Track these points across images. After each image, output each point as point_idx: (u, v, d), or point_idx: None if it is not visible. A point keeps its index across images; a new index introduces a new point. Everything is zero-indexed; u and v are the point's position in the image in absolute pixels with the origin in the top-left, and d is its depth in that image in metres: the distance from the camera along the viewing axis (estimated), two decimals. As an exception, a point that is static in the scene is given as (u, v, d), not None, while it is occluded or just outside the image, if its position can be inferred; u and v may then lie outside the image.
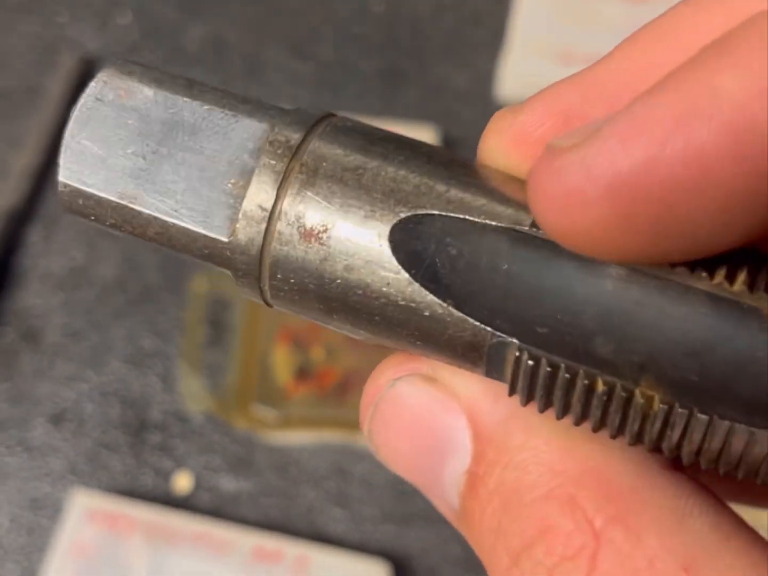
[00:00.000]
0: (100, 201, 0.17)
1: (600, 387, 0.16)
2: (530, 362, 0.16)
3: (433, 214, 0.16)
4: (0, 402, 0.48)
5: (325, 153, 0.16)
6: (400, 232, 0.16)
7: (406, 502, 0.45)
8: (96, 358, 0.49)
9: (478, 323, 0.16)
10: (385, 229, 0.16)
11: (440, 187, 0.16)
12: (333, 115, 0.18)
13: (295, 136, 0.16)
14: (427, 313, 0.16)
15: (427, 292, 0.16)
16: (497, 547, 0.16)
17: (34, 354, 0.49)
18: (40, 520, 0.45)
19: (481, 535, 0.17)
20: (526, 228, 0.16)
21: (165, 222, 0.17)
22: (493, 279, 0.16)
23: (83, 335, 0.49)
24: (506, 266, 0.16)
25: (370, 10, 0.57)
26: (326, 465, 0.46)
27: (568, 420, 0.16)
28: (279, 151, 0.16)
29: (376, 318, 0.16)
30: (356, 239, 0.16)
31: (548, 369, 0.16)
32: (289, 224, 0.16)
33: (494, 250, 0.16)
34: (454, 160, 0.17)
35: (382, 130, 0.17)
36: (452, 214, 0.16)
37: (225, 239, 0.16)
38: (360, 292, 0.16)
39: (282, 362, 0.47)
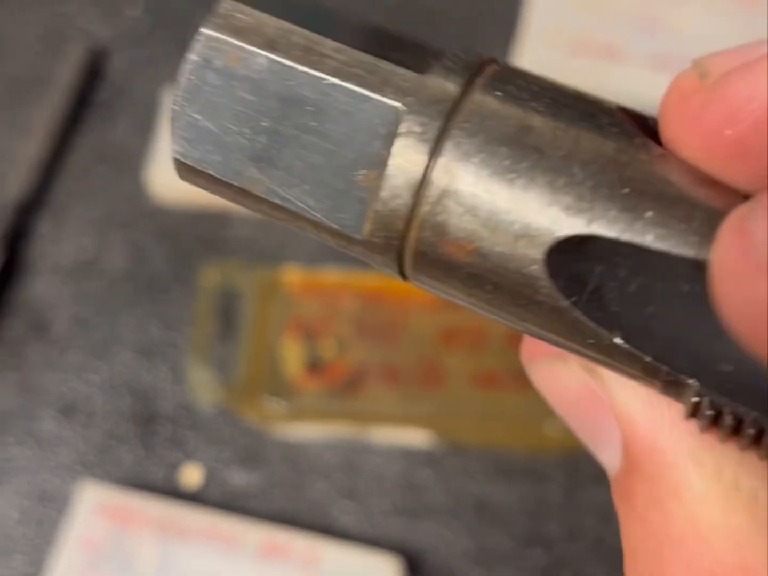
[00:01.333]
0: (217, 181, 0.15)
1: None
2: (709, 412, 0.14)
3: (598, 236, 0.13)
4: (9, 393, 0.48)
5: (469, 150, 0.14)
6: (558, 252, 0.13)
7: (418, 495, 0.45)
8: (105, 349, 0.49)
9: (650, 359, 0.14)
10: (541, 250, 0.13)
11: (606, 203, 0.13)
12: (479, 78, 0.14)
13: (435, 125, 0.14)
14: (591, 342, 0.14)
15: (591, 322, 0.14)
16: (636, 558, 0.14)
17: (43, 345, 0.49)
18: (49, 512, 0.45)
19: (627, 529, 0.14)
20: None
21: (289, 211, 0.15)
22: (672, 310, 0.13)
23: (92, 326, 0.49)
24: (688, 298, 0.13)
25: (382, 2, 0.57)
26: (337, 458, 0.45)
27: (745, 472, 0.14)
28: (414, 146, 0.14)
29: (530, 331, 0.14)
30: (507, 260, 0.14)
31: (731, 421, 0.14)
32: (427, 231, 0.14)
33: (673, 277, 0.13)
34: (633, 152, 0.14)
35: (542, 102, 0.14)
36: (621, 239, 0.13)
37: (358, 237, 0.14)
38: (511, 311, 0.14)
39: (292, 355, 0.46)
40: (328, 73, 0.14)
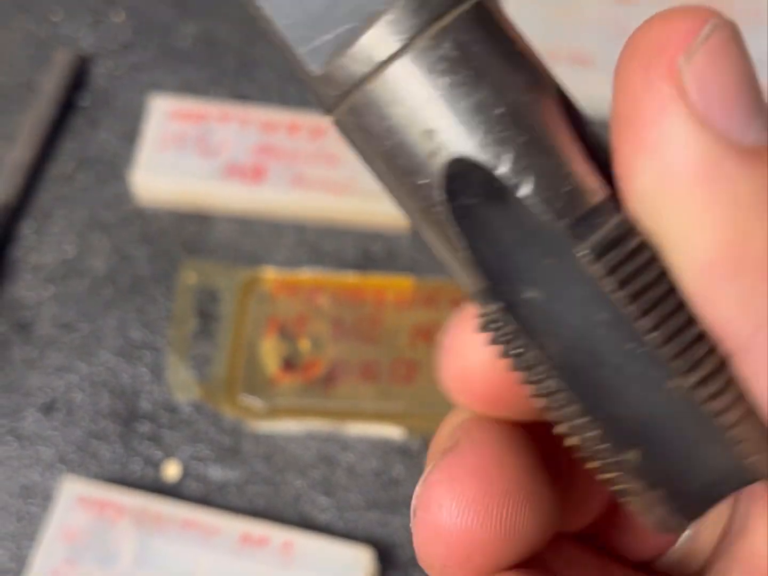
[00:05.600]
0: None
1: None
2: (495, 331, 0.16)
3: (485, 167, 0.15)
4: (-9, 392, 0.48)
5: (432, 62, 0.15)
6: (459, 162, 0.15)
7: (391, 490, 0.45)
8: (86, 348, 0.49)
9: (477, 273, 0.16)
10: (447, 157, 0.15)
11: (510, 148, 0.15)
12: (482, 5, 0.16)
13: (420, 24, 0.15)
14: (438, 233, 0.16)
15: (453, 224, 0.16)
16: None
17: (25, 345, 0.50)
18: (30, 508, 0.46)
19: None
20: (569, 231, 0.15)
21: (268, 21, 0.16)
22: (515, 251, 0.16)
23: (73, 326, 0.50)
24: (535, 251, 0.16)
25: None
26: (312, 453, 0.46)
27: None
28: (394, 32, 0.15)
29: (403, 203, 0.16)
30: (417, 145, 0.15)
31: (515, 351, 0.16)
32: (378, 90, 0.15)
33: (532, 228, 0.15)
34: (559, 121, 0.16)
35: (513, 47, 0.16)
36: (500, 177, 0.15)
37: (311, 70, 0.16)
38: (397, 181, 0.16)
39: (269, 353, 0.47)
40: None
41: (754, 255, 0.15)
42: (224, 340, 0.48)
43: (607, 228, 0.15)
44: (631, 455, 0.17)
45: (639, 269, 0.15)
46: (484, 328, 0.17)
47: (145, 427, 0.47)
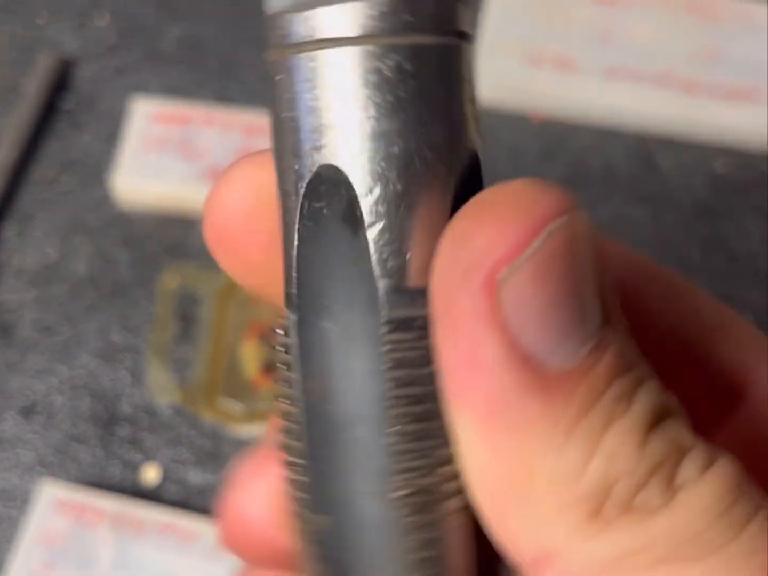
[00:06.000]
0: None
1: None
2: (278, 336, 0.16)
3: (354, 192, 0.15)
4: (-29, 395, 0.48)
5: (368, 65, 0.15)
6: (333, 171, 0.15)
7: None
8: (67, 352, 0.49)
9: (294, 276, 0.16)
10: (325, 159, 0.15)
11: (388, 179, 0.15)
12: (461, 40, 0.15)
13: (387, 27, 0.15)
14: (283, 221, 0.16)
15: (296, 220, 0.16)
16: None
17: (6, 348, 0.50)
18: (9, 511, 0.46)
19: None
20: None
21: None
22: (336, 267, 0.16)
23: (55, 330, 0.50)
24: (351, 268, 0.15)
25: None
26: (292, 457, 0.46)
27: None
28: (352, 20, 0.15)
29: (276, 176, 0.16)
30: (308, 132, 0.15)
31: (283, 365, 0.16)
32: (304, 62, 0.15)
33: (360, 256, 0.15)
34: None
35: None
36: (363, 207, 0.15)
37: (269, 10, 0.16)
38: (279, 152, 0.16)
39: (250, 357, 0.47)
40: None
41: (537, 490, 0.14)
42: (205, 343, 0.48)
43: (417, 312, 0.15)
44: (322, 519, 0.16)
45: (419, 364, 0.15)
46: (275, 330, 0.17)
47: (125, 431, 0.47)
